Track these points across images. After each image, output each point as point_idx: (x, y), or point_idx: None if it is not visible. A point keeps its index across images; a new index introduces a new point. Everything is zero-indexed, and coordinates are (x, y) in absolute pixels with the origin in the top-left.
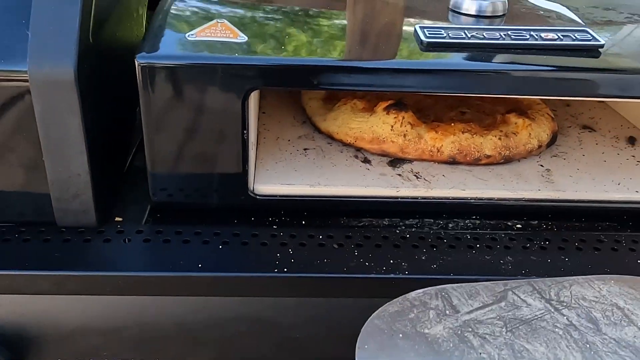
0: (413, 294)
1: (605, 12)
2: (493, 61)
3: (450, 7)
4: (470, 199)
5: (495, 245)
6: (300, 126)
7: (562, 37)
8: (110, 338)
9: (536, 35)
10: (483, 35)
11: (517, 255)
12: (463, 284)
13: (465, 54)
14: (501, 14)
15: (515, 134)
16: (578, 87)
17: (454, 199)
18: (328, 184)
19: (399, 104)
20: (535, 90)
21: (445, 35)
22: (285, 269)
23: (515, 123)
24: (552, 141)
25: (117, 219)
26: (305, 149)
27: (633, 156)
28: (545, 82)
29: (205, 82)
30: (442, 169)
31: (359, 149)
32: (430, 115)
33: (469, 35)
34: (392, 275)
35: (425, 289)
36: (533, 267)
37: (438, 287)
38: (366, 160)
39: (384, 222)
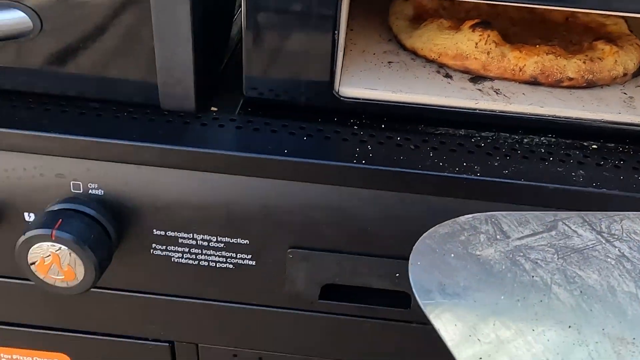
0: (463, 218)
1: None
2: None
3: None
4: (548, 116)
5: (569, 160)
6: (386, 43)
7: None
8: (201, 214)
9: None
10: None
11: (590, 170)
12: (512, 212)
13: None
14: None
15: (600, 59)
16: None
17: (531, 114)
18: (409, 91)
19: (485, 23)
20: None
21: None
22: (364, 161)
23: (602, 49)
24: (639, 71)
25: (212, 108)
26: (389, 62)
27: None
28: None
29: None
30: (523, 87)
31: (442, 65)
32: (514, 42)
33: None
34: (464, 176)
35: (475, 214)
36: (605, 181)
37: (487, 213)
38: (448, 75)
39: (460, 132)
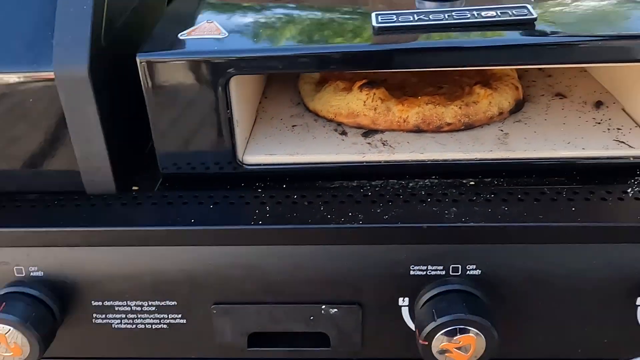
0: None
1: None
2: (433, 39)
3: None
4: (428, 161)
5: (444, 199)
6: (294, 107)
7: (500, 14)
8: (131, 283)
9: (477, 13)
10: (429, 17)
11: (462, 207)
12: None
13: (410, 34)
14: None
15: (475, 103)
16: (508, 56)
17: (413, 161)
18: (305, 152)
19: (371, 83)
20: (469, 61)
21: (395, 19)
22: (260, 222)
23: (478, 93)
24: (517, 108)
25: (134, 188)
26: (293, 126)
27: (594, 118)
28: (477, 54)
29: (191, 73)
30: (408, 137)
31: (339, 124)
32: (409, 92)
33: (416, 18)
34: (347, 225)
35: None
36: (473, 215)
37: None
38: (344, 133)
39: (353, 184)
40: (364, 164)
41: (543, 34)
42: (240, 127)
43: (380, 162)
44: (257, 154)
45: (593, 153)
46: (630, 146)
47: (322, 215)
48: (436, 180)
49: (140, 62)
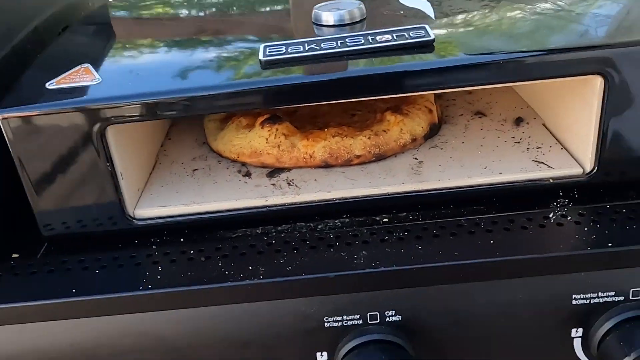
0: None
1: (466, 1)
2: (321, 71)
3: (312, 20)
4: (335, 200)
5: (355, 242)
6: (198, 148)
7: (396, 37)
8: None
9: (372, 38)
10: (320, 46)
11: (373, 249)
12: None
13: (298, 67)
14: (359, 19)
15: (386, 131)
16: (402, 83)
17: (319, 201)
18: (203, 200)
19: (273, 118)
20: (365, 91)
21: (284, 51)
22: (150, 286)
23: (388, 120)
24: (433, 133)
25: (14, 255)
26: (194, 170)
27: (513, 137)
28: (373, 82)
29: (59, 126)
30: (316, 173)
31: (243, 164)
32: (320, 122)
33: (307, 48)
34: (246, 282)
35: None
36: (384, 259)
37: None
38: (247, 174)
39: (257, 231)
40: (267, 208)
41: (441, 56)
42: (128, 178)
43: (284, 205)
44: (150, 207)
45: (511, 177)
46: (549, 166)
47: (219, 272)
48: (347, 220)
49: (2, 119)
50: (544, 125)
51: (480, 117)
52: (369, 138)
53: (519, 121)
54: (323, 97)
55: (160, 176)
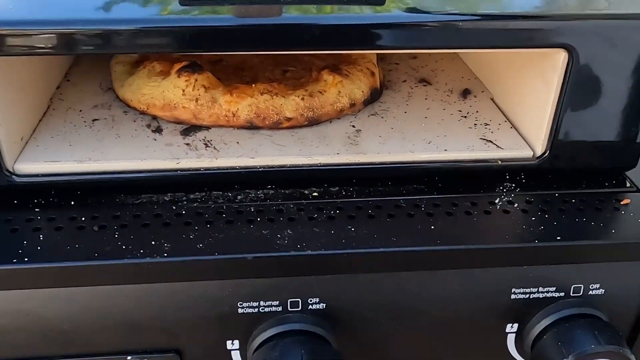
0: None
1: None
2: (250, 15)
3: None
4: (259, 167)
5: (279, 218)
6: (102, 94)
7: None
8: None
9: None
10: None
11: (299, 228)
12: None
13: (223, 7)
14: None
15: (322, 92)
16: (347, 38)
17: (241, 168)
18: (100, 158)
19: (192, 66)
20: (300, 44)
21: None
22: (27, 258)
23: (325, 81)
24: (374, 98)
25: None
26: (94, 120)
27: (459, 110)
28: (310, 34)
29: None
30: (239, 135)
31: (154, 117)
32: (247, 75)
33: None
34: (147, 260)
35: None
36: (311, 240)
37: None
38: (158, 130)
39: (165, 198)
40: (179, 172)
41: (388, 11)
42: (7, 124)
43: (199, 169)
44: (34, 161)
45: (456, 155)
46: (498, 146)
47: (115, 246)
48: (272, 192)
49: None
50: (492, 100)
51: (425, 86)
52: (302, 99)
53: (465, 93)
54: (249, 46)
55: (52, 124)
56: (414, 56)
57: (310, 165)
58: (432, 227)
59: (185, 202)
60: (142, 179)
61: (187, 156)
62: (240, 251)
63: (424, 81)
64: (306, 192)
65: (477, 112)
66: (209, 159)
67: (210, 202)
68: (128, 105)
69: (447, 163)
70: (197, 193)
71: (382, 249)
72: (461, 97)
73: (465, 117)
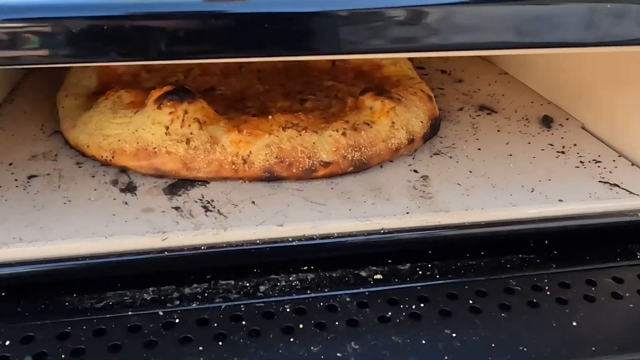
0: None
1: None
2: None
3: None
4: (291, 240)
5: (333, 321)
6: (44, 140)
7: None
8: None
9: None
10: None
11: (367, 337)
12: None
13: None
14: None
15: (369, 124)
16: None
17: (263, 243)
18: (39, 238)
19: (179, 92)
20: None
21: None
22: None
23: (371, 108)
24: (433, 132)
25: None
26: (30, 177)
27: (551, 145)
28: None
29: None
30: (254, 190)
31: (124, 170)
32: (252, 108)
33: None
34: None
35: None
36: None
37: None
38: (129, 188)
39: (146, 296)
40: (166, 254)
41: None
42: None
43: (199, 247)
44: None
45: (578, 208)
46: (630, 192)
47: None
48: (311, 276)
49: None
50: (583, 128)
51: (489, 114)
52: (343, 134)
53: (547, 121)
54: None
55: None
56: (460, 79)
57: (369, 233)
58: (574, 324)
59: (178, 303)
60: (107, 266)
61: (177, 227)
62: None
63: (486, 108)
64: (364, 273)
65: (574, 145)
66: (212, 230)
67: (218, 300)
68: (83, 154)
69: (566, 220)
70: (195, 285)
71: None
72: (543, 126)
73: (563, 152)
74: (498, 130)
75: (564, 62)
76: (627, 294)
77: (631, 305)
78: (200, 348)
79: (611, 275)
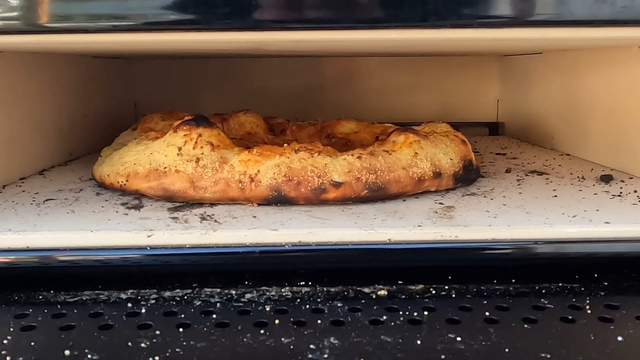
0: None
1: None
2: None
3: None
4: (285, 245)
5: (315, 321)
6: (78, 183)
7: None
8: None
9: None
10: None
11: (351, 335)
12: None
13: None
14: None
15: (389, 152)
16: None
17: (253, 245)
18: (21, 229)
19: (197, 119)
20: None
21: None
22: None
23: (394, 141)
24: (468, 176)
25: None
26: (47, 200)
27: (606, 192)
28: None
29: None
30: (258, 210)
31: (137, 197)
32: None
33: None
34: None
35: None
36: (380, 356)
37: None
38: (137, 206)
39: (121, 297)
40: (149, 250)
41: None
42: None
43: (183, 246)
44: None
45: (626, 230)
46: None
47: None
48: (306, 289)
49: None
50: None
51: (539, 175)
52: (358, 157)
53: (607, 179)
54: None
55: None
56: (515, 157)
57: (374, 243)
58: (619, 338)
59: (155, 305)
60: (84, 262)
61: (166, 228)
62: None
63: (537, 172)
64: (367, 290)
65: (634, 191)
66: (201, 231)
67: (199, 305)
68: (104, 185)
69: (612, 242)
70: (178, 290)
71: None
72: (601, 182)
73: (620, 195)
74: (546, 183)
75: (623, 123)
76: None
77: None
78: (158, 332)
79: None
